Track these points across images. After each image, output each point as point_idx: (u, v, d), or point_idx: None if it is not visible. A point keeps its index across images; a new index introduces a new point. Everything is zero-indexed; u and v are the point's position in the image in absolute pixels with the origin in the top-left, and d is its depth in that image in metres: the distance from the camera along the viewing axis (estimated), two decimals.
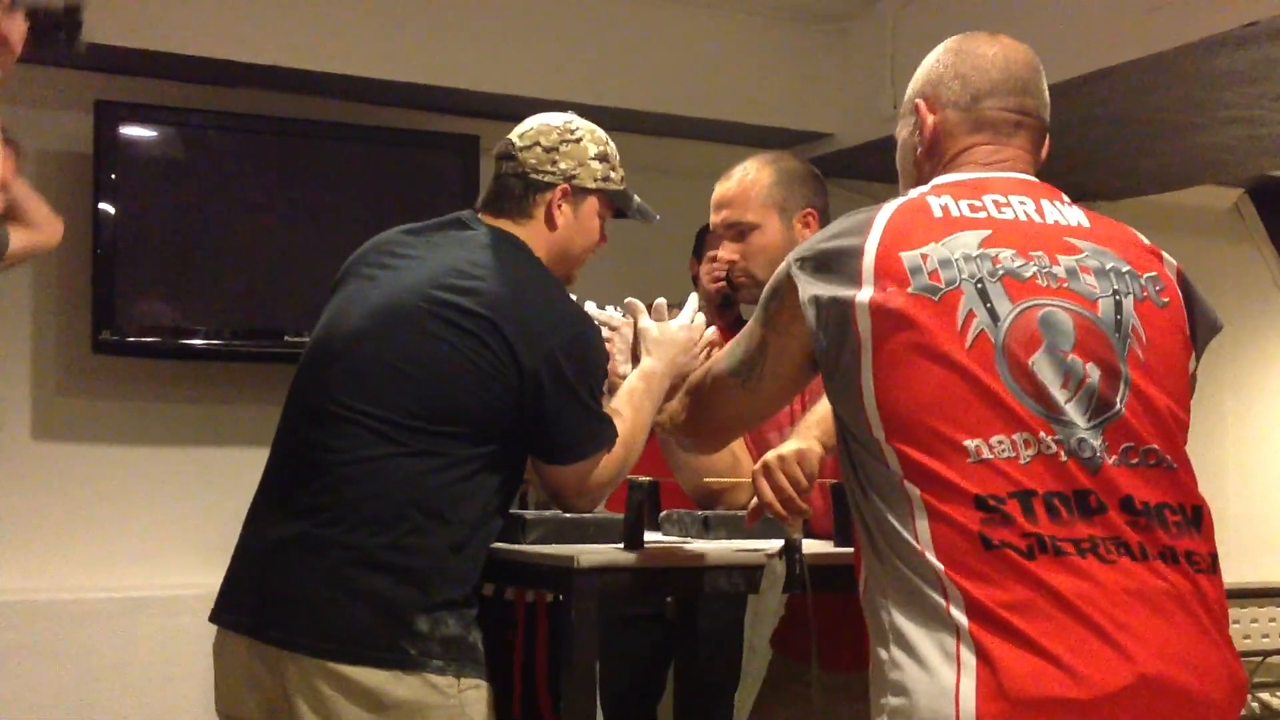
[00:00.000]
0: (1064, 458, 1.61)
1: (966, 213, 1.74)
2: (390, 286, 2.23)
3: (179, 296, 4.24)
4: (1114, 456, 1.63)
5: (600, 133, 2.38)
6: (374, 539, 2.08)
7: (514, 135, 2.36)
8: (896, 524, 1.63)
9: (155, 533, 4.26)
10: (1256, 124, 4.49)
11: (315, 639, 2.06)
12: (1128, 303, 1.72)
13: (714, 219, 2.62)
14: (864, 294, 1.66)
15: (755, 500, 2.10)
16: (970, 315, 1.65)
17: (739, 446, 2.63)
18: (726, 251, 2.60)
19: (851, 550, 2.20)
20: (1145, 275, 1.76)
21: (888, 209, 1.75)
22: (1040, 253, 1.72)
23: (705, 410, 2.01)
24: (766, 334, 1.84)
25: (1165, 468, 1.66)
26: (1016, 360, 1.64)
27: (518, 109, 2.48)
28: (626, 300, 2.47)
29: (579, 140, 2.34)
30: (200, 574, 4.07)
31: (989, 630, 1.54)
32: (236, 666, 2.16)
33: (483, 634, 2.14)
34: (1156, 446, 1.66)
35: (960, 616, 1.56)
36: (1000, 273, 1.68)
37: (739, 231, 2.58)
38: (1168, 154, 4.92)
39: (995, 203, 1.77)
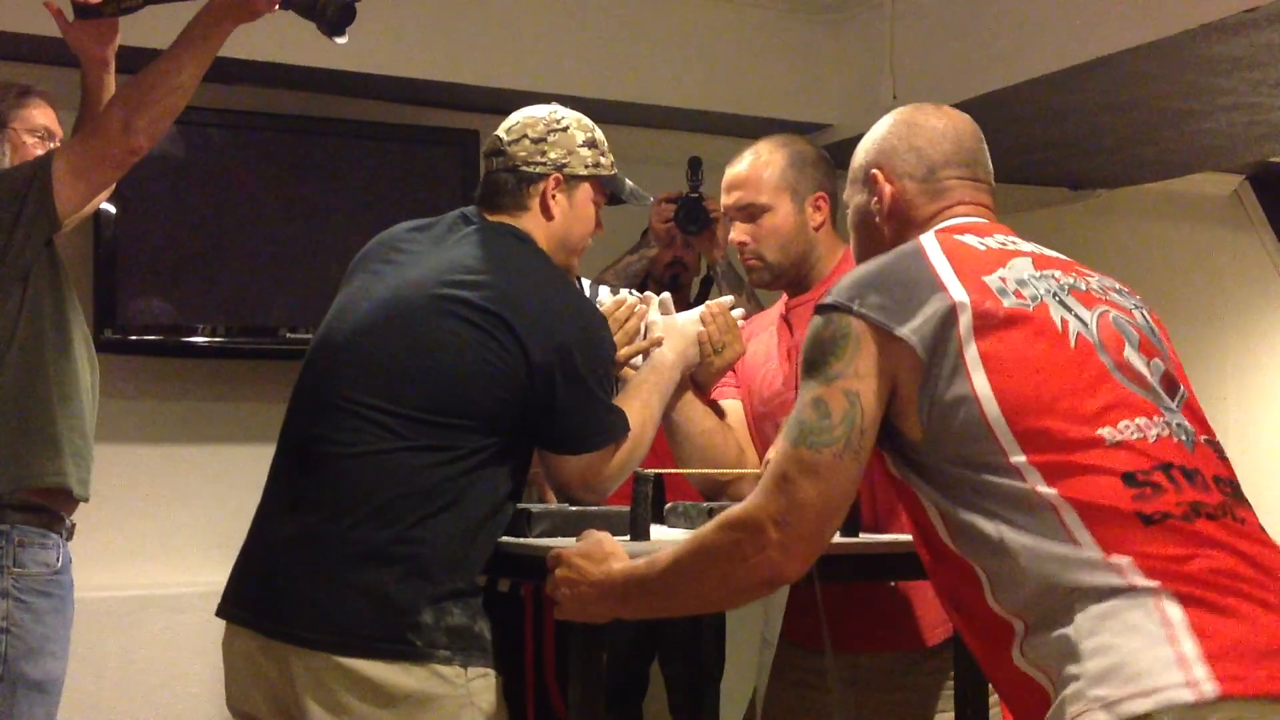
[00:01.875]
0: (1174, 438, 1.67)
1: (997, 244, 1.81)
2: (396, 281, 2.23)
3: (180, 294, 4.24)
4: (1202, 437, 1.71)
5: (586, 120, 2.38)
6: (379, 533, 2.08)
7: (500, 130, 2.37)
8: (1043, 539, 1.60)
9: (159, 530, 4.26)
10: (1256, 110, 4.48)
11: (320, 633, 2.06)
12: (1144, 310, 1.83)
13: (725, 200, 2.63)
14: (960, 296, 1.69)
15: None
16: (1064, 321, 1.71)
17: (745, 439, 2.64)
18: (738, 233, 2.61)
19: (856, 540, 2.22)
20: (1133, 294, 1.86)
21: (929, 246, 1.78)
22: (1074, 273, 1.80)
23: (803, 511, 1.69)
24: (852, 386, 1.69)
25: (1218, 448, 1.74)
26: (1114, 352, 1.71)
27: (516, 103, 2.48)
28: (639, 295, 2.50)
29: (566, 129, 2.34)
30: (204, 571, 4.07)
31: (1189, 598, 1.54)
32: (244, 662, 2.17)
33: (490, 624, 2.13)
34: (1209, 434, 1.74)
35: (1149, 583, 1.55)
36: (1066, 287, 1.76)
37: (750, 213, 2.59)
38: (1167, 141, 4.92)
39: (1009, 240, 1.85)
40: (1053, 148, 5.02)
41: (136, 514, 4.21)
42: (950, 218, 1.90)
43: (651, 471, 2.24)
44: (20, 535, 2.68)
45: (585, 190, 2.35)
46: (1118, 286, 1.84)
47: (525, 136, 2.33)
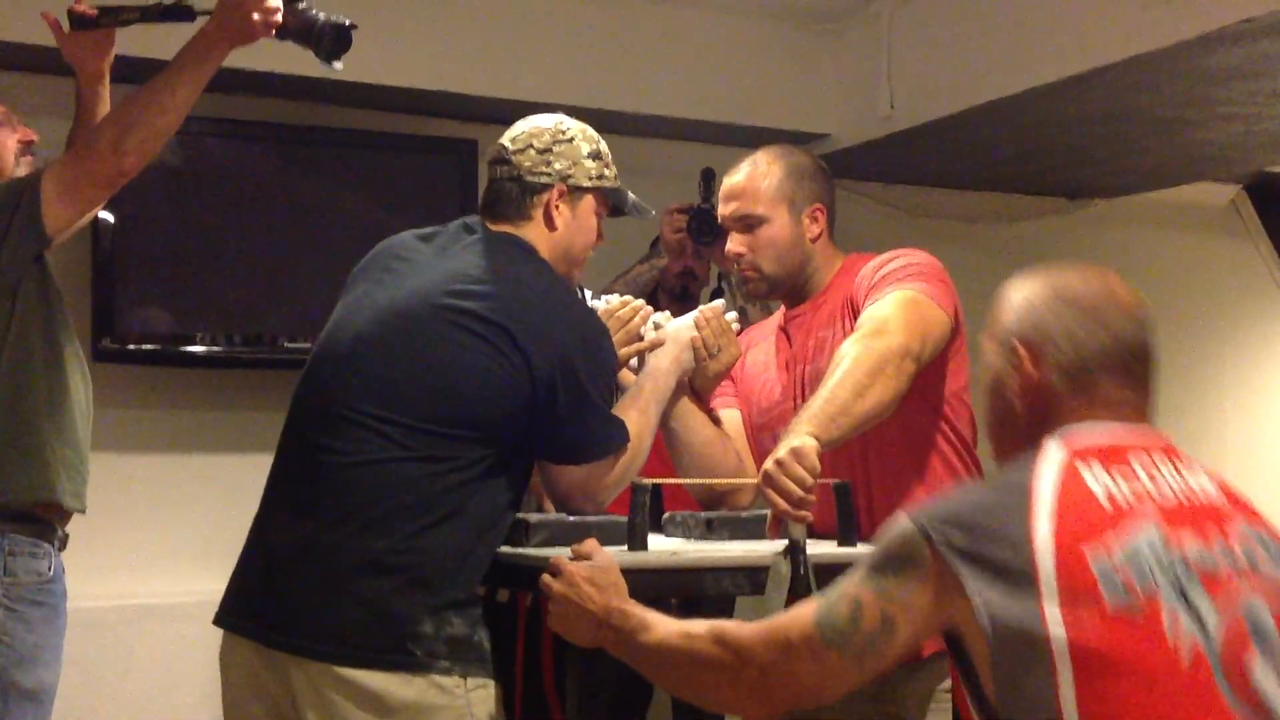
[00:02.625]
0: None
1: (1128, 493, 1.60)
2: (398, 291, 2.23)
3: (178, 303, 4.24)
4: None
5: (591, 131, 2.38)
6: (379, 542, 2.08)
7: (505, 139, 2.36)
8: None
9: (157, 540, 4.26)
10: (1253, 120, 4.49)
11: (320, 643, 2.06)
12: None
13: (722, 210, 2.63)
14: (1054, 619, 1.50)
15: (770, 513, 2.14)
16: (1178, 628, 1.51)
17: (744, 449, 2.63)
18: (734, 244, 2.60)
19: (855, 550, 2.22)
20: None
21: (1044, 484, 1.59)
22: (1213, 531, 1.60)
23: (788, 678, 1.68)
24: (895, 613, 1.61)
25: None
26: (1236, 675, 1.51)
27: (515, 113, 2.48)
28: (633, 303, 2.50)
29: (571, 140, 2.34)
30: (202, 581, 4.06)
31: None
32: (242, 672, 2.16)
33: (490, 634, 2.13)
34: None
35: None
36: (1195, 569, 1.55)
37: (747, 224, 2.59)
38: (1165, 151, 4.93)
39: (1146, 470, 1.63)
40: (1050, 157, 5.03)
41: (135, 523, 4.21)
42: (1090, 420, 1.68)
43: (649, 481, 2.24)
44: (11, 544, 2.68)
45: (589, 202, 2.35)
46: (1268, 541, 1.62)
47: (530, 146, 2.32)
